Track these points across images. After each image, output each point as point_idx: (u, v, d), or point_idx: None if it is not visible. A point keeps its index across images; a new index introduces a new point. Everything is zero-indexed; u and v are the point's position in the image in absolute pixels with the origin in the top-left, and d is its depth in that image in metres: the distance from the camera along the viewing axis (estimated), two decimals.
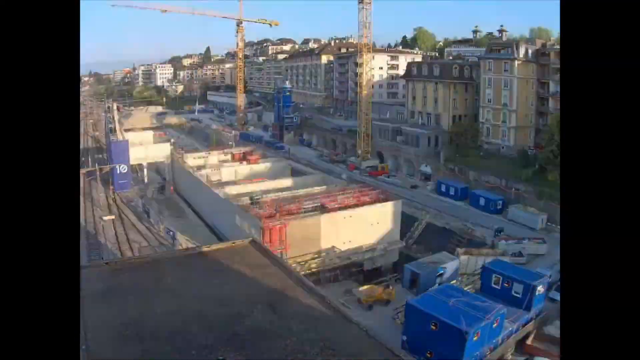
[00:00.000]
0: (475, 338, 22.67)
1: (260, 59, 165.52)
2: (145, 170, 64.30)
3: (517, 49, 64.34)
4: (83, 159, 76.01)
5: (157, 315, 11.46)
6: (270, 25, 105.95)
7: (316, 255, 36.95)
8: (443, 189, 58.58)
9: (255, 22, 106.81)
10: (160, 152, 65.21)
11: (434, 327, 23.22)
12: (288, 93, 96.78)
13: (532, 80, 64.27)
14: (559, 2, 6.48)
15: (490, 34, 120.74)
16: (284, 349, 10.24)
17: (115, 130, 67.91)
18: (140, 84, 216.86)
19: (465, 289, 29.57)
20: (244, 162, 63.51)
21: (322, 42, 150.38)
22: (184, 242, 39.32)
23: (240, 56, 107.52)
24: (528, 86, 64.21)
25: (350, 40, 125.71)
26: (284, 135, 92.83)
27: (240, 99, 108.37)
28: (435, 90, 72.80)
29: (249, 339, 10.55)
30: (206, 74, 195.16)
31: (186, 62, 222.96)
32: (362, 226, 40.00)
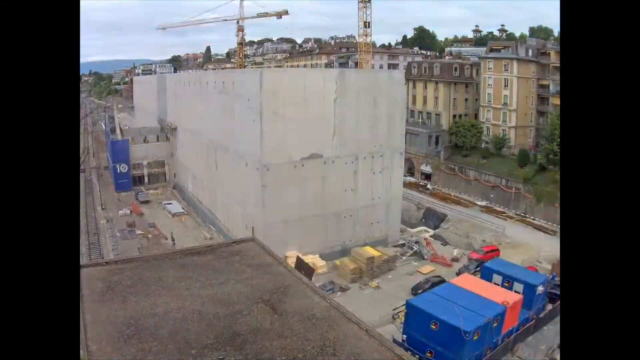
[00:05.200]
0: (475, 338, 22.69)
1: (261, 58, 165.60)
2: (145, 169, 64.31)
3: (517, 48, 64.39)
4: (83, 158, 76.07)
5: (157, 314, 11.45)
6: (280, 16, 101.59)
7: None
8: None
9: (261, 17, 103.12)
10: (161, 151, 65.24)
11: (434, 327, 23.24)
12: None
13: (532, 80, 64.37)
14: (559, 2, 6.48)
15: (491, 33, 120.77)
16: (284, 349, 10.24)
17: (115, 130, 67.99)
18: None
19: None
20: None
21: (322, 42, 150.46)
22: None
23: (240, 56, 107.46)
24: (528, 85, 64.29)
25: (350, 40, 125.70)
26: None
27: None
28: (435, 89, 72.83)
29: (249, 339, 10.55)
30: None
31: (186, 62, 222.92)
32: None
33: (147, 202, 56.67)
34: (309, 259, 36.90)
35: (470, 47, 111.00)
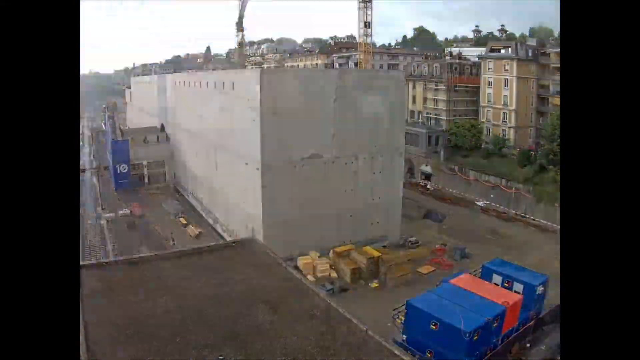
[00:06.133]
0: (475, 338, 22.67)
1: (260, 58, 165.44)
2: (145, 170, 64.28)
3: (517, 48, 64.39)
4: (83, 158, 76.10)
5: (157, 314, 11.47)
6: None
7: None
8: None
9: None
10: (161, 151, 65.23)
11: (434, 327, 23.22)
12: None
13: (532, 80, 64.38)
14: (559, 2, 6.48)
15: (491, 33, 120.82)
16: (284, 349, 10.25)
17: (115, 130, 68.01)
18: None
19: None
20: None
21: (322, 42, 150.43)
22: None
23: (240, 56, 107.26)
24: (528, 86, 64.30)
25: (350, 40, 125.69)
26: None
27: None
28: (435, 90, 72.84)
29: (249, 339, 10.56)
30: None
31: (186, 62, 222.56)
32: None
33: (148, 204, 56.60)
34: (311, 259, 36.99)
35: (470, 47, 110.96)
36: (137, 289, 12.96)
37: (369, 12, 68.16)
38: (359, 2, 68.33)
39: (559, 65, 57.78)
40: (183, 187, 61.06)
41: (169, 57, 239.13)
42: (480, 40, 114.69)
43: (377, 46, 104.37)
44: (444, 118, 71.18)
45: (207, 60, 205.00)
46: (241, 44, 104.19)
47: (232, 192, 43.27)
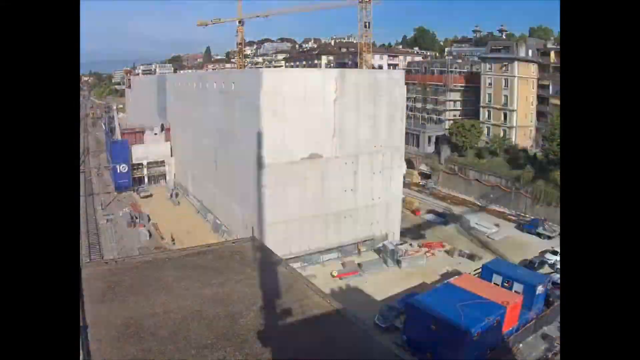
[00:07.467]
0: (475, 338, 22.69)
1: (260, 58, 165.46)
2: (145, 169, 64.22)
3: (517, 48, 64.39)
4: (83, 158, 76.05)
5: (157, 314, 11.46)
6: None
7: None
8: None
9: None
10: (161, 151, 65.18)
11: (434, 327, 23.25)
12: None
13: (532, 80, 64.39)
14: (559, 1, 6.48)
15: (491, 33, 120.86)
16: (284, 349, 10.25)
17: (115, 130, 67.96)
18: None
19: None
20: None
21: (322, 42, 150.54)
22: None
23: (240, 56, 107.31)
24: (528, 86, 64.31)
25: (350, 40, 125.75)
26: None
27: None
28: (435, 89, 72.86)
29: (249, 339, 10.56)
30: None
31: (186, 62, 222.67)
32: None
33: (148, 196, 56.83)
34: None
35: (470, 47, 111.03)
36: (137, 288, 12.95)
37: (368, 12, 68.24)
38: (359, 2, 68.41)
39: (559, 65, 57.79)
40: (183, 187, 61.03)
41: (169, 57, 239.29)
42: (480, 40, 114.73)
43: (377, 46, 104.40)
44: (444, 118, 71.15)
45: (207, 60, 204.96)
46: (241, 44, 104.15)
47: (232, 192, 43.26)
